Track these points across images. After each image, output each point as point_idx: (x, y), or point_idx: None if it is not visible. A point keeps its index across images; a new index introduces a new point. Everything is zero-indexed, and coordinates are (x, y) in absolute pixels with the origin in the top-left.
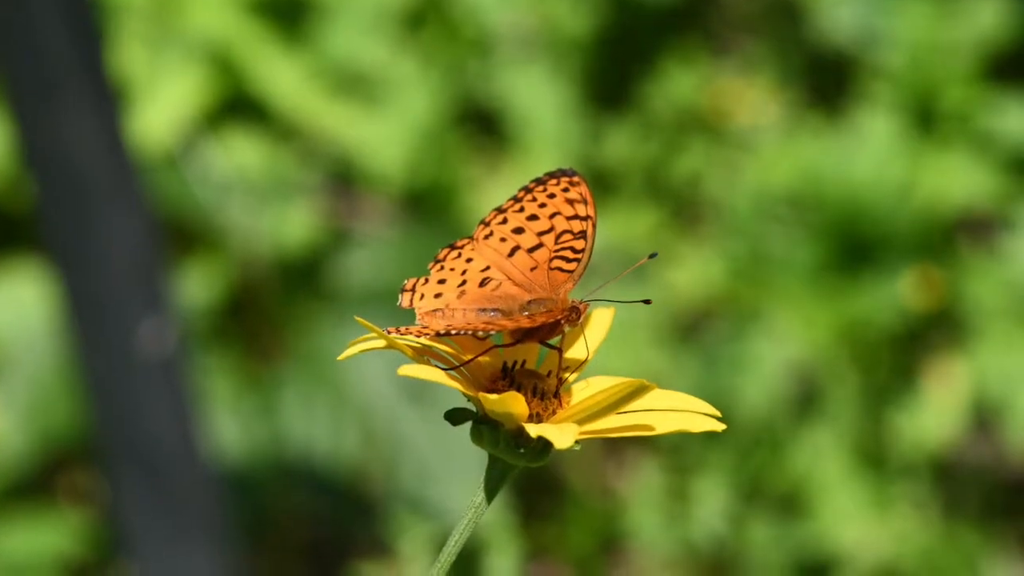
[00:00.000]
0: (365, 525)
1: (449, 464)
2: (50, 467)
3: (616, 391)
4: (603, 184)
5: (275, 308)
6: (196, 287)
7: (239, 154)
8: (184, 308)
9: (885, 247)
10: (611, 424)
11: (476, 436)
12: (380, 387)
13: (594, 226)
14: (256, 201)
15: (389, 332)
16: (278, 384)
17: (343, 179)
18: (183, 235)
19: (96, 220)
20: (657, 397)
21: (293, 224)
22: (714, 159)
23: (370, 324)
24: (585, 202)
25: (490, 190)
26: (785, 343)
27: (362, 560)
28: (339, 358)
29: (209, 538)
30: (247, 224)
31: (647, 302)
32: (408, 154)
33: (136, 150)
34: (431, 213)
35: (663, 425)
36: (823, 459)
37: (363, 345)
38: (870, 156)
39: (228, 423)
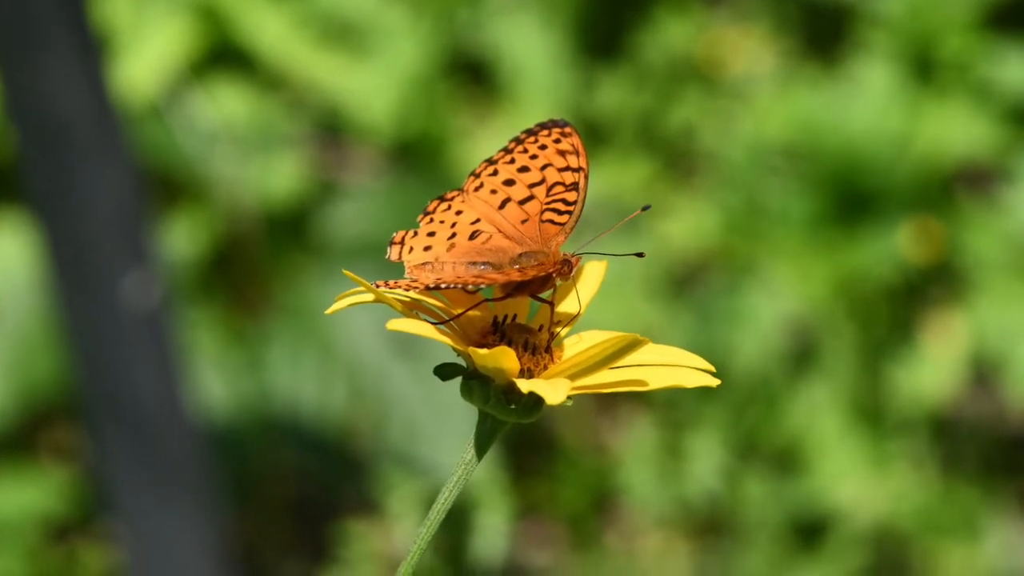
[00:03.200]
0: (353, 482)
1: (439, 420)
2: (33, 423)
3: (609, 346)
4: (595, 135)
5: (261, 261)
6: (181, 239)
7: (225, 104)
8: (169, 261)
9: (883, 199)
10: (604, 379)
11: (466, 392)
12: (369, 342)
13: (586, 178)
14: (242, 152)
15: (377, 286)
16: (264, 338)
17: (331, 130)
18: (168, 187)
19: (80, 171)
20: (650, 352)
21: (280, 175)
22: (708, 109)
23: (358, 277)
24: (577, 153)
25: (480, 141)
26: (781, 296)
27: (350, 518)
28: (327, 312)
29: (194, 494)
30: (233, 175)
31: (640, 255)
32: (397, 104)
33: (120, 100)
34: (420, 164)
35: (656, 380)
36: (819, 415)
37: (351, 299)
38: (867, 106)
39: (213, 378)
